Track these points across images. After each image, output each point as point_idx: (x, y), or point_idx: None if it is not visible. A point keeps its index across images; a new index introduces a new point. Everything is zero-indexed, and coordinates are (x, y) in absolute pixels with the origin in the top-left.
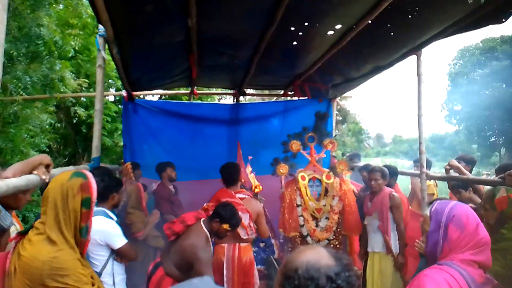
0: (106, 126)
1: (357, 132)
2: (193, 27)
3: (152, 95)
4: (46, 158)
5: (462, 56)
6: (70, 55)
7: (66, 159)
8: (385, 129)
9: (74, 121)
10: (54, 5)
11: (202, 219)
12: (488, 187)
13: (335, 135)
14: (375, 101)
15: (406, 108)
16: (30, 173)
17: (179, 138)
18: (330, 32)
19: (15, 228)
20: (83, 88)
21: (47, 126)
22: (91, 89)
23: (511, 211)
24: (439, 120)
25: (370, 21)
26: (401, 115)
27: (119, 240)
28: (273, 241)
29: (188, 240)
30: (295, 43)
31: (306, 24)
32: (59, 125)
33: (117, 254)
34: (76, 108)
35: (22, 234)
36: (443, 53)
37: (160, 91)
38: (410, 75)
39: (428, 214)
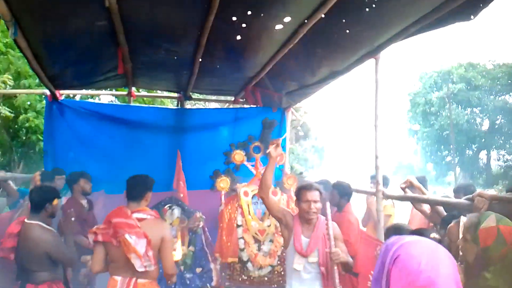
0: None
1: (319, 149)
2: (113, 8)
3: (92, 97)
4: None
5: (421, 77)
6: None
7: None
8: (349, 144)
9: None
10: None
11: (26, 219)
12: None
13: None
14: (337, 114)
15: (367, 121)
16: None
17: (112, 146)
18: (279, 26)
19: None
20: (8, 86)
21: None
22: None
23: (499, 249)
24: (398, 139)
25: (323, 15)
26: (364, 129)
27: None
28: (212, 266)
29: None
30: (239, 37)
31: (249, 13)
32: None
33: None
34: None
35: None
36: (403, 74)
37: (92, 91)
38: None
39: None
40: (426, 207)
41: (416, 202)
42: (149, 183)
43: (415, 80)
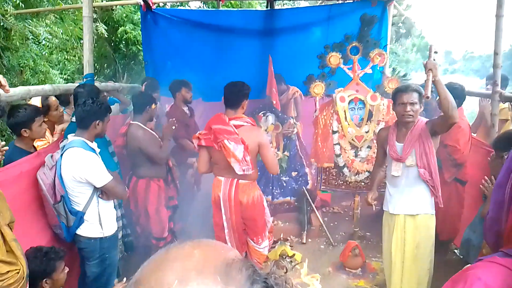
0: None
1: (422, 48)
2: None
3: (182, 4)
4: None
5: None
6: None
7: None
8: (455, 43)
9: (113, 38)
10: None
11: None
12: None
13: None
14: (444, 11)
15: (481, 18)
16: None
17: (205, 53)
18: None
19: None
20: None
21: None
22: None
23: None
24: None
25: None
26: (475, 28)
27: (101, 178)
28: (307, 170)
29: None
30: None
31: None
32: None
33: (101, 192)
34: (97, 24)
35: None
36: None
37: None
38: None
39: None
40: None
41: None
42: (246, 90)
43: None
